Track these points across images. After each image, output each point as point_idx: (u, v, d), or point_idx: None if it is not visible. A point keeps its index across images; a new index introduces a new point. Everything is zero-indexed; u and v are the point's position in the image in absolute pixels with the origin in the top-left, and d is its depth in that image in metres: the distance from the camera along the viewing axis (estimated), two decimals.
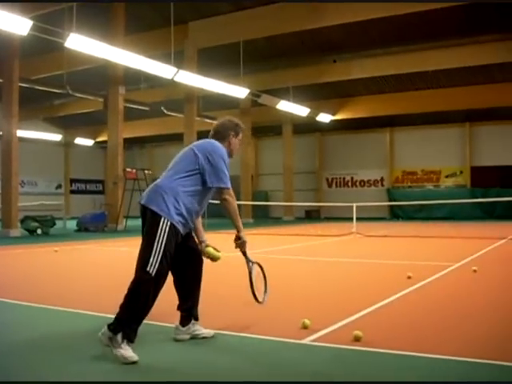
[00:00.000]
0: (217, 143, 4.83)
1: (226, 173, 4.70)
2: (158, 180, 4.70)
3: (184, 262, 4.79)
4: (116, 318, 4.36)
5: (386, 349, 4.46)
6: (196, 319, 4.88)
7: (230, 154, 4.95)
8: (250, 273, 4.95)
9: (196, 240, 5.00)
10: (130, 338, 4.28)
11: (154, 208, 4.47)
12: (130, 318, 4.32)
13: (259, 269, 5.08)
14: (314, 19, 21.32)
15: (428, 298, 6.95)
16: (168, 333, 4.91)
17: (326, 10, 20.79)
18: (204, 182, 4.63)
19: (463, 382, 3.74)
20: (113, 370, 4.07)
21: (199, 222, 5.02)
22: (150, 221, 4.50)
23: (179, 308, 4.86)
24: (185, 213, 4.55)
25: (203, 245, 4.99)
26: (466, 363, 4.09)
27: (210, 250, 5.00)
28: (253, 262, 5.02)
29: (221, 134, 4.95)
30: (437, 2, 19.24)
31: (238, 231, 4.86)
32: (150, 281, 4.33)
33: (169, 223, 4.44)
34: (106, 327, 4.34)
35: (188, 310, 4.83)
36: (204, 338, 4.85)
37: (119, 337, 4.25)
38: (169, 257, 4.44)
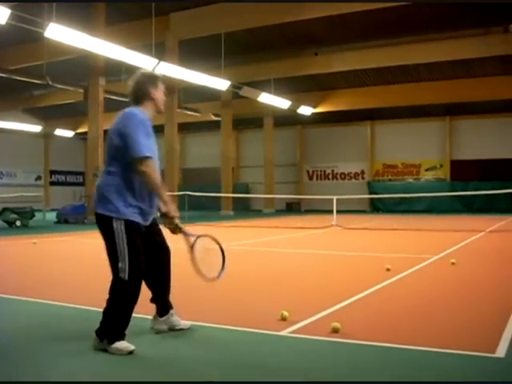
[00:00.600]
0: (127, 114, 4.36)
1: (140, 140, 4.16)
2: (98, 181, 4.45)
3: (153, 257, 4.56)
4: (101, 323, 4.27)
5: (363, 340, 4.50)
6: (171, 307, 4.80)
7: (158, 111, 4.57)
8: (192, 247, 4.53)
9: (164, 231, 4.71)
10: (118, 339, 4.20)
11: (101, 212, 4.26)
12: (114, 321, 4.24)
13: (211, 241, 4.60)
14: (296, 12, 21.30)
15: (406, 290, 7.00)
16: (142, 325, 4.89)
17: (307, 2, 20.79)
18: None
19: (438, 373, 3.78)
20: (95, 363, 4.05)
21: (164, 194, 4.39)
22: (103, 227, 4.29)
23: (153, 301, 4.77)
24: (134, 201, 4.27)
25: (177, 221, 4.52)
26: (442, 354, 4.13)
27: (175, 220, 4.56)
28: (198, 236, 4.59)
29: (140, 95, 4.47)
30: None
31: (165, 205, 4.41)
32: (126, 285, 4.22)
33: (122, 222, 4.20)
34: (94, 334, 4.26)
35: (163, 301, 4.76)
36: (181, 329, 4.81)
37: (105, 341, 4.19)
38: (137, 254, 4.26)
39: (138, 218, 4.31)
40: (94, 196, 4.39)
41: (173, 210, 4.43)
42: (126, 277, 4.19)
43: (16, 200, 24.78)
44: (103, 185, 4.32)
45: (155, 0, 20.49)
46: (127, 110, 4.42)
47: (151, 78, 4.54)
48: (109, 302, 4.27)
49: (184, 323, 4.88)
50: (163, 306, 4.77)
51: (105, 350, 4.20)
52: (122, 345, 4.17)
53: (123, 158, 4.23)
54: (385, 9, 20.87)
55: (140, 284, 4.33)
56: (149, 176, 4.17)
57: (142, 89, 4.49)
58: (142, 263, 4.31)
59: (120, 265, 4.19)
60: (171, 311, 4.80)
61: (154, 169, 4.22)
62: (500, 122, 33.54)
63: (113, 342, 4.17)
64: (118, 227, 4.20)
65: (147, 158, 4.17)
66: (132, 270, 4.20)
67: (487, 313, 5.61)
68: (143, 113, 4.40)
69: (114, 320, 4.23)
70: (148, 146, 4.22)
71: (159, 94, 4.55)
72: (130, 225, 4.23)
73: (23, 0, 18.55)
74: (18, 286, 7.29)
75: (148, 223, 4.50)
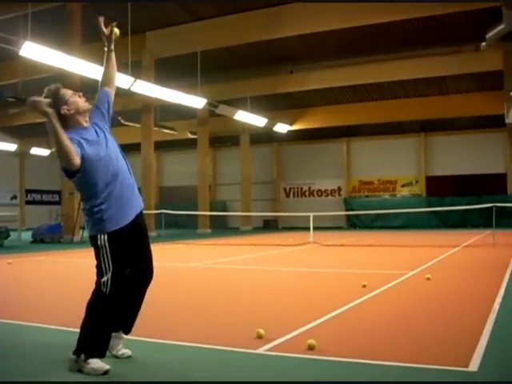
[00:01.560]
0: None
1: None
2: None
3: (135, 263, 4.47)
4: (78, 340, 4.21)
5: (339, 357, 4.51)
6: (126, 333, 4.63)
7: (77, 122, 4.40)
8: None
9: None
10: (94, 355, 4.13)
11: (90, 233, 4.30)
12: (91, 337, 4.17)
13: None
14: (272, 30, 21.49)
15: (382, 306, 7.04)
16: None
17: (283, 20, 21.02)
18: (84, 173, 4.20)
19: None
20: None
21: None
22: (93, 245, 4.32)
23: None
24: (104, 206, 4.21)
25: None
26: (417, 369, 4.16)
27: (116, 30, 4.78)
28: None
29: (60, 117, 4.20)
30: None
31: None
32: (106, 299, 4.19)
33: (105, 236, 4.19)
34: (71, 354, 4.21)
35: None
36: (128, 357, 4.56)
37: (82, 356, 4.12)
38: (121, 269, 4.24)
39: (116, 220, 4.25)
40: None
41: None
42: (107, 291, 4.17)
43: None
44: (83, 209, 4.37)
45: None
46: None
47: (56, 96, 4.36)
48: (86, 315, 4.23)
49: (125, 350, 4.59)
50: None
51: (80, 371, 4.15)
52: (96, 364, 4.10)
53: (79, 175, 4.28)
54: (359, 27, 21.18)
55: (118, 296, 4.29)
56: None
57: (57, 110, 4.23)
58: (124, 273, 4.30)
59: (103, 279, 4.18)
60: (121, 333, 4.57)
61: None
62: (474, 138, 34.00)
63: (89, 358, 4.10)
64: (102, 241, 4.20)
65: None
66: (113, 286, 4.18)
67: (461, 327, 5.65)
68: None
69: (91, 334, 4.17)
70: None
71: (72, 102, 4.46)
72: (112, 234, 4.21)
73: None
74: None
75: (133, 215, 4.41)
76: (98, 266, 4.26)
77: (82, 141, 4.22)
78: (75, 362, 4.17)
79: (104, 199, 4.24)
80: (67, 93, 4.38)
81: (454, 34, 22.81)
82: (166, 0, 21.90)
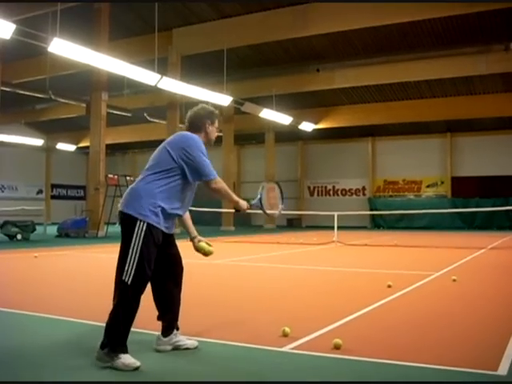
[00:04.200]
0: (189, 135, 4.64)
1: (207, 163, 4.54)
2: (134, 183, 4.55)
3: (164, 271, 4.62)
4: (104, 335, 4.23)
5: (364, 357, 4.48)
6: (177, 329, 4.75)
7: (208, 143, 4.83)
8: (261, 203, 5.01)
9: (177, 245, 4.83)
10: (121, 350, 4.19)
11: (130, 212, 4.33)
12: (115, 330, 4.20)
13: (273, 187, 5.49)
14: (298, 28, 21.42)
15: (408, 307, 6.99)
16: (149, 342, 4.88)
17: (310, 19, 20.92)
18: (183, 178, 4.48)
19: None
20: (98, 377, 4.05)
21: (188, 217, 4.92)
22: (125, 226, 4.36)
23: (159, 319, 4.73)
24: (163, 213, 4.39)
25: (196, 240, 4.88)
26: (443, 371, 4.12)
27: (203, 244, 4.88)
28: (260, 197, 5.03)
29: (196, 125, 4.77)
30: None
31: (236, 204, 4.74)
32: (126, 290, 4.23)
33: (144, 226, 4.29)
34: (99, 348, 4.24)
35: (169, 321, 4.70)
36: (187, 348, 4.73)
37: (109, 351, 4.16)
38: (147, 262, 4.29)
39: (160, 227, 4.41)
40: (125, 195, 4.51)
41: (241, 203, 4.75)
42: (129, 281, 4.22)
43: (17, 213, 24.79)
44: (140, 189, 4.43)
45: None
46: (186, 132, 4.74)
47: (210, 114, 4.84)
48: (112, 309, 4.28)
49: (191, 343, 4.79)
50: (168, 325, 4.70)
51: (109, 366, 4.18)
52: (128, 360, 4.15)
53: (172, 172, 4.47)
54: (386, 26, 21.07)
55: (140, 292, 4.32)
56: (220, 190, 4.58)
57: (199, 122, 4.79)
58: (146, 272, 4.33)
59: (126, 267, 4.24)
60: (175, 332, 4.73)
61: (221, 180, 4.64)
62: (501, 139, 33.63)
63: (115, 352, 4.15)
64: (139, 229, 4.30)
65: (215, 177, 4.57)
66: (135, 275, 4.23)
67: (489, 330, 5.60)
68: (199, 138, 4.70)
69: (114, 326, 4.21)
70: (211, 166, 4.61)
71: (214, 130, 4.88)
72: (150, 229, 4.33)
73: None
74: (18, 300, 7.28)
75: (171, 232, 4.63)
76: (124, 252, 4.32)
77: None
78: (105, 355, 4.20)
79: (172, 202, 4.49)
80: (217, 123, 4.94)
81: (483, 33, 22.57)
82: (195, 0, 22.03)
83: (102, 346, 4.22)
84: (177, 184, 4.48)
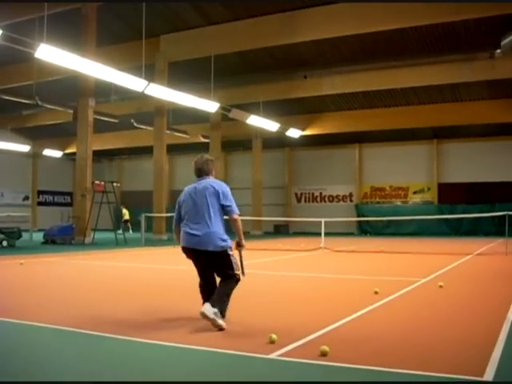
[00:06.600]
0: (221, 182, 6.56)
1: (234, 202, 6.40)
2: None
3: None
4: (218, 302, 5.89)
5: (351, 364, 4.48)
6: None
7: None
8: (241, 258, 6.37)
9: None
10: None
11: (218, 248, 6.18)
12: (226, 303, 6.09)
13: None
14: (286, 35, 21.49)
15: (394, 313, 7.01)
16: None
17: (297, 26, 20.99)
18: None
19: None
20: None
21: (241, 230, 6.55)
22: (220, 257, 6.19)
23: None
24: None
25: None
26: (429, 377, 4.13)
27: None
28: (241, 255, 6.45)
29: (209, 170, 6.56)
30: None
31: (241, 238, 6.36)
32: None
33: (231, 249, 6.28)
34: (208, 304, 5.78)
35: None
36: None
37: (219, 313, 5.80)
38: None
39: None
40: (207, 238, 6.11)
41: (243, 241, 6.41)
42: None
43: (3, 220, 24.57)
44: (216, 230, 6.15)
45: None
46: (216, 180, 6.56)
47: (213, 162, 6.65)
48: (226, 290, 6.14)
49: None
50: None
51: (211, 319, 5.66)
52: (223, 321, 5.83)
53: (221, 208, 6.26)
54: (373, 33, 21.15)
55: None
56: (238, 222, 6.26)
57: (209, 167, 6.56)
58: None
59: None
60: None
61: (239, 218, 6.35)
62: (486, 145, 33.88)
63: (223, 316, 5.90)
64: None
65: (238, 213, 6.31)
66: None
67: (475, 336, 5.62)
68: None
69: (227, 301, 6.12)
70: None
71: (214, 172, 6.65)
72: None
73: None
74: (3, 307, 7.22)
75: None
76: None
77: None
78: (215, 313, 5.73)
79: None
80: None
81: (468, 41, 22.74)
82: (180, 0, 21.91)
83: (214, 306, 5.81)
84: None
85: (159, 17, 22.68)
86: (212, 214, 6.14)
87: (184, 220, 6.28)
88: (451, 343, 5.31)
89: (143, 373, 4.29)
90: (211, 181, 6.39)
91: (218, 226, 6.13)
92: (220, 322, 5.75)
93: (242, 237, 6.32)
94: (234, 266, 6.15)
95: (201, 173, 6.49)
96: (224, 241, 6.10)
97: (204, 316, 5.70)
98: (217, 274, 6.27)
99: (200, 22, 23.13)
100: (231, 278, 6.12)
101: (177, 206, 6.48)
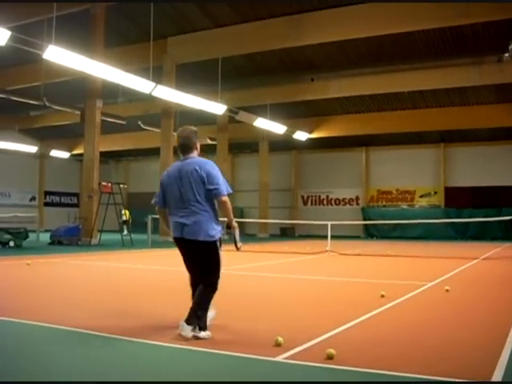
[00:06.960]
0: (208, 161, 5.93)
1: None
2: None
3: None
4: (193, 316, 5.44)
5: (358, 367, 4.47)
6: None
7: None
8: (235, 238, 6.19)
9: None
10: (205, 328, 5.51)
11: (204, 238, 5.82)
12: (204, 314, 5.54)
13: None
14: (294, 38, 21.50)
15: (401, 316, 6.98)
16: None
17: (305, 29, 20.99)
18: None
19: None
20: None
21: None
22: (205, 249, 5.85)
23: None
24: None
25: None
26: (438, 382, 4.11)
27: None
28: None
29: (191, 146, 5.95)
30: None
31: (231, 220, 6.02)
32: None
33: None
34: (184, 323, 5.37)
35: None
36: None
37: (197, 327, 5.41)
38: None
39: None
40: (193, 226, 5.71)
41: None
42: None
43: (10, 220, 24.73)
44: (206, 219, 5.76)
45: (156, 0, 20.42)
46: (199, 159, 5.89)
47: (196, 133, 5.98)
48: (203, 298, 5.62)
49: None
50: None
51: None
52: (207, 334, 5.47)
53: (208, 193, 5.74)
54: (380, 36, 21.12)
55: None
56: (227, 204, 5.80)
57: (194, 141, 5.95)
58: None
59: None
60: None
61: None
62: (494, 149, 33.79)
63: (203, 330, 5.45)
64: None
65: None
66: None
67: (483, 339, 5.60)
68: None
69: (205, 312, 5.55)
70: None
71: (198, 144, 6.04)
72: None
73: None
74: (10, 307, 7.24)
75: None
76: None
77: None
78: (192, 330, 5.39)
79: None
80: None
81: (476, 44, 22.69)
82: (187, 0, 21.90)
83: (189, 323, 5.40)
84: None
85: (166, 19, 22.72)
86: (200, 200, 5.69)
87: (172, 209, 5.83)
88: (458, 346, 5.30)
89: (148, 373, 4.28)
90: (195, 161, 5.81)
91: (207, 214, 5.72)
92: (202, 334, 5.43)
93: (232, 217, 5.92)
94: (219, 263, 5.85)
95: (186, 149, 5.92)
96: (214, 230, 5.79)
97: (183, 337, 5.36)
98: (200, 268, 5.80)
99: (207, 25, 23.18)
100: (210, 282, 5.66)
101: (160, 188, 5.95)
